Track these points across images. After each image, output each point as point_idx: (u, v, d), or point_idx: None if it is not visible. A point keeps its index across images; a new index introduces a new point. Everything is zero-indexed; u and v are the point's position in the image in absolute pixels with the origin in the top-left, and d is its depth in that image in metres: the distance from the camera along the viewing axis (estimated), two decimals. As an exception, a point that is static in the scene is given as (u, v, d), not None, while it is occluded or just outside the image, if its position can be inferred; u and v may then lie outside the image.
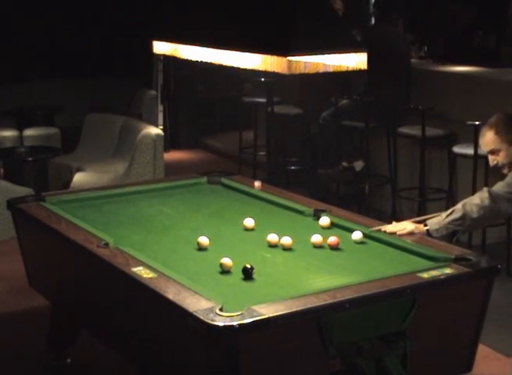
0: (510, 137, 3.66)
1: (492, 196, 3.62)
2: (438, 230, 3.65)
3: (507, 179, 3.67)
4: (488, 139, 3.70)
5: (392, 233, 3.64)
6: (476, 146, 5.29)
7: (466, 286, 3.19)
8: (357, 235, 3.64)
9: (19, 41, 9.59)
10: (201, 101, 10.29)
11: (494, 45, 7.58)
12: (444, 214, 3.69)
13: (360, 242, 3.63)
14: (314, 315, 2.82)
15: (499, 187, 3.66)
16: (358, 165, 6.82)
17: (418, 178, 6.29)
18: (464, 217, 3.63)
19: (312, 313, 2.82)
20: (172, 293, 2.95)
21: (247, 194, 4.46)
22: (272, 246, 3.60)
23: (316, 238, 3.59)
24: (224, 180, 4.67)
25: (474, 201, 3.64)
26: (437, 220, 3.69)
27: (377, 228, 3.71)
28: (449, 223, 3.65)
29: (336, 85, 6.85)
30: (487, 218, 3.69)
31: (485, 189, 3.68)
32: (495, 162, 3.73)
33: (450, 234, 3.66)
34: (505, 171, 3.73)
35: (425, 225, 3.69)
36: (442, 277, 3.10)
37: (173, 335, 3.01)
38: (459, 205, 3.67)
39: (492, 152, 3.71)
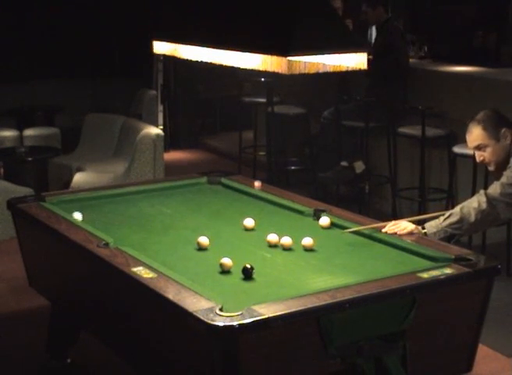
0: (498, 134, 3.65)
1: (489, 199, 3.59)
2: (435, 233, 3.62)
3: (502, 179, 3.64)
4: (476, 135, 3.69)
5: (393, 234, 3.64)
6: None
7: (466, 286, 3.19)
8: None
9: (20, 41, 9.59)
10: (201, 101, 10.29)
11: (494, 45, 7.59)
12: (442, 217, 3.67)
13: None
14: (314, 315, 2.82)
15: (495, 188, 3.63)
16: (358, 166, 6.82)
17: (418, 178, 6.29)
18: (461, 221, 3.60)
19: (312, 313, 2.82)
20: (172, 293, 2.95)
21: (247, 194, 4.46)
22: (272, 246, 3.60)
23: (307, 241, 3.57)
24: (224, 180, 4.67)
25: (472, 205, 3.61)
26: (435, 223, 3.66)
27: (354, 229, 3.72)
28: (446, 226, 3.62)
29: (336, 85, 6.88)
30: (485, 222, 3.65)
31: (483, 192, 3.65)
32: (481, 158, 3.72)
33: (448, 238, 3.64)
34: (491, 168, 3.74)
35: (423, 228, 3.68)
36: (442, 277, 3.10)
37: (173, 335, 3.01)
38: (457, 209, 3.64)
39: (479, 148, 3.70)
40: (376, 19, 6.78)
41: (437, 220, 3.67)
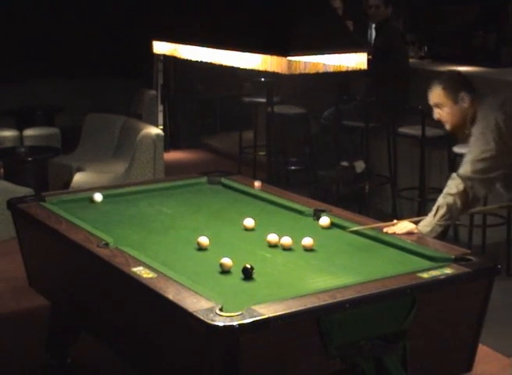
0: (456, 96, 3.75)
1: (463, 179, 3.64)
2: (431, 230, 3.66)
3: (468, 157, 3.70)
4: (436, 93, 3.80)
5: (392, 233, 3.64)
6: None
7: (466, 286, 3.19)
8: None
9: (20, 40, 9.59)
10: (201, 100, 10.29)
11: (494, 45, 7.58)
12: (431, 214, 3.70)
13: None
14: (314, 315, 2.82)
15: (465, 168, 3.68)
16: (359, 166, 6.82)
17: (418, 178, 6.29)
18: (450, 211, 3.66)
19: (312, 313, 2.82)
20: (172, 293, 2.95)
21: (247, 194, 4.46)
22: (272, 246, 3.60)
23: (307, 241, 3.57)
24: (224, 180, 4.67)
25: (452, 191, 3.67)
26: (427, 222, 3.69)
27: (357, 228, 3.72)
28: (438, 220, 3.66)
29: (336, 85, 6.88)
30: (468, 202, 3.69)
31: (455, 175, 3.71)
32: (438, 115, 3.84)
33: (442, 233, 3.67)
34: (447, 127, 3.85)
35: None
36: (442, 277, 3.10)
37: (173, 335, 3.01)
38: (440, 201, 3.69)
39: (437, 106, 3.81)
40: (382, 17, 6.75)
41: (428, 219, 3.70)
